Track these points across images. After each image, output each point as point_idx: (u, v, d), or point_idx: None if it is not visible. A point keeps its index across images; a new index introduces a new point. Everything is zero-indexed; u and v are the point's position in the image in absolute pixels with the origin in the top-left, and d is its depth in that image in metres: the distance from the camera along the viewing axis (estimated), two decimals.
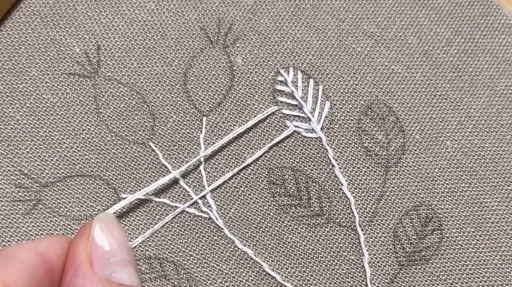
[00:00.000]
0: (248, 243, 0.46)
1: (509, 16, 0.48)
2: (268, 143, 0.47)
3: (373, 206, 0.47)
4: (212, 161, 0.47)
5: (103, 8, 0.47)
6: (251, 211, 0.47)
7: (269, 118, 0.47)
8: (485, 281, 0.47)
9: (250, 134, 0.47)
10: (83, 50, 0.46)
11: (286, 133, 0.47)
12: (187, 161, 0.47)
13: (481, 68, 0.48)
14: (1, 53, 0.46)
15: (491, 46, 0.48)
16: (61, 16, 0.46)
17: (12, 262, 0.37)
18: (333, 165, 0.47)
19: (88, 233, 0.39)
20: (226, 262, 0.46)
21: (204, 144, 0.47)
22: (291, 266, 0.47)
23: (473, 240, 0.47)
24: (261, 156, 0.47)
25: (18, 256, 0.37)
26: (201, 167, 0.47)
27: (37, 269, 0.37)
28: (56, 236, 0.44)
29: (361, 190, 0.47)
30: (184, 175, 0.46)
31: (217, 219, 0.46)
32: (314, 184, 0.47)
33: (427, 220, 0.47)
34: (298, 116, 0.48)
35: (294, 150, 0.47)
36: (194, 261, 0.46)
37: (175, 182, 0.46)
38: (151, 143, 0.46)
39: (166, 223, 0.46)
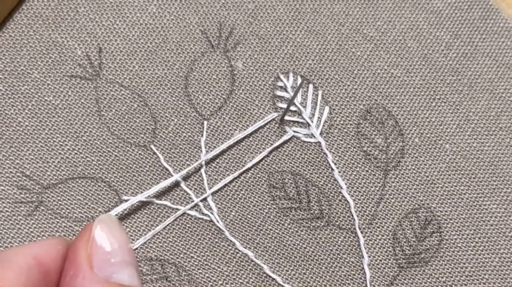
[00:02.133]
0: (248, 246, 0.47)
1: (508, 20, 0.49)
2: (268, 147, 0.47)
3: (373, 209, 0.48)
4: (213, 164, 0.47)
5: (105, 11, 0.47)
6: (252, 214, 0.47)
7: (268, 124, 0.48)
8: (484, 283, 0.47)
9: (250, 139, 0.48)
10: (85, 52, 0.47)
11: (285, 137, 0.48)
12: (188, 164, 0.47)
13: (480, 72, 0.49)
14: (3, 55, 0.46)
15: (491, 50, 0.49)
16: (63, 19, 0.47)
17: (8, 265, 0.37)
18: (332, 169, 0.48)
19: (89, 234, 0.39)
20: (227, 264, 0.47)
21: (205, 147, 0.47)
22: (291, 268, 0.47)
23: (472, 243, 0.48)
24: (261, 161, 0.47)
25: (14, 260, 0.38)
26: (202, 171, 0.47)
27: (32, 272, 0.38)
28: (52, 238, 0.45)
29: (360, 193, 0.48)
30: (185, 178, 0.47)
31: (218, 221, 0.47)
32: (314, 187, 0.47)
33: (427, 222, 0.48)
34: (298, 122, 0.48)
35: (293, 154, 0.48)
36: (195, 263, 0.46)
37: (176, 184, 0.47)
38: (152, 146, 0.47)
39: (168, 225, 0.46)
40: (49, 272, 0.39)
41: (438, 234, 0.48)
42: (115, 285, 0.39)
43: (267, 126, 0.48)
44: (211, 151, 0.47)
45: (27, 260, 0.38)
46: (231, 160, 0.47)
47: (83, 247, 0.39)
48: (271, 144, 0.48)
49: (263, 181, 0.47)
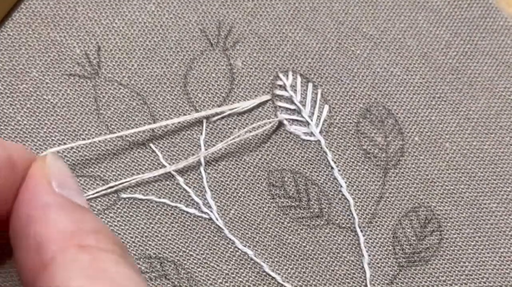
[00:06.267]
0: (248, 244, 0.47)
1: (508, 18, 0.50)
2: (268, 146, 0.48)
3: (373, 207, 0.48)
4: (212, 162, 0.48)
5: (104, 10, 0.48)
6: (251, 212, 0.48)
7: (269, 123, 0.48)
8: (484, 282, 0.48)
9: (250, 137, 0.48)
10: (84, 51, 0.47)
11: (272, 121, 0.48)
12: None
13: (480, 70, 0.49)
14: (2, 54, 0.47)
15: (490, 48, 0.50)
16: (62, 17, 0.48)
17: None
18: (332, 167, 0.48)
19: (43, 162, 0.40)
20: (227, 263, 0.47)
21: (205, 146, 0.48)
22: (291, 267, 0.47)
23: (472, 241, 0.48)
24: (260, 158, 0.48)
25: None
26: (201, 168, 0.48)
27: (3, 163, 0.39)
28: (26, 148, 0.45)
29: (360, 192, 0.48)
30: (184, 176, 0.47)
31: (217, 219, 0.47)
32: (314, 186, 0.48)
33: (426, 221, 0.48)
34: (297, 120, 0.49)
35: (293, 153, 0.48)
36: (195, 261, 0.47)
37: (175, 183, 0.47)
38: (151, 144, 0.47)
39: (166, 223, 0.47)
40: (17, 173, 0.40)
41: (438, 233, 0.48)
42: (77, 203, 0.39)
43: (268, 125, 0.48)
44: (211, 149, 0.48)
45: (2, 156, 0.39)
46: (230, 158, 0.48)
47: (41, 168, 0.40)
48: (271, 143, 0.48)
49: (262, 179, 0.48)
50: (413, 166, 0.49)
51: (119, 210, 0.47)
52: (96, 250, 0.38)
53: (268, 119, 0.48)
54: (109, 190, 0.47)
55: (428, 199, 0.48)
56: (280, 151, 0.48)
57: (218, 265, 0.47)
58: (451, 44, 0.50)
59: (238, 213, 0.48)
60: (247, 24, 0.49)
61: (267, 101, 0.49)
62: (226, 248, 0.47)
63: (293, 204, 0.48)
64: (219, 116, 0.48)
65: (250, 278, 0.47)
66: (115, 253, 0.38)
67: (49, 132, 0.47)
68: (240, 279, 0.47)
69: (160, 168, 0.47)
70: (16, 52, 0.47)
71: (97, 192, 0.46)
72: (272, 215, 0.48)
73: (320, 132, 0.49)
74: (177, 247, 0.47)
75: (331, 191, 0.48)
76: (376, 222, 0.48)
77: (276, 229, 0.48)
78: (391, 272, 0.48)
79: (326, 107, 0.49)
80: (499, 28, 0.50)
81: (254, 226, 0.48)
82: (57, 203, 0.39)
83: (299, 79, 0.49)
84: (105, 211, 0.47)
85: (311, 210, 0.48)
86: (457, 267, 0.48)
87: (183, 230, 0.47)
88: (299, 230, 0.48)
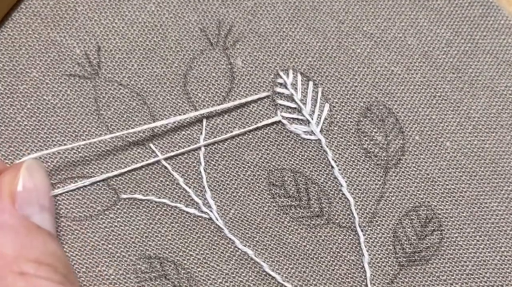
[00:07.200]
0: (248, 244, 0.48)
1: (509, 17, 0.50)
2: (268, 145, 0.48)
3: (373, 207, 0.48)
4: (212, 162, 0.48)
5: (104, 10, 0.48)
6: (251, 211, 0.48)
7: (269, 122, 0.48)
8: (485, 282, 0.48)
9: (250, 136, 0.48)
10: (84, 51, 0.48)
11: (271, 120, 0.48)
12: (187, 162, 0.48)
13: (481, 69, 0.49)
14: (2, 54, 0.47)
15: (491, 47, 0.50)
16: (62, 17, 0.48)
17: None
18: (332, 167, 0.48)
19: (16, 173, 0.41)
20: (227, 262, 0.47)
21: (204, 145, 0.48)
22: (291, 266, 0.48)
23: (473, 241, 0.48)
24: (260, 157, 0.48)
25: None
26: (201, 168, 0.48)
27: None
28: None
29: (360, 191, 0.48)
30: (184, 176, 0.48)
31: (217, 219, 0.47)
32: (314, 185, 0.48)
33: (427, 220, 0.48)
34: (298, 119, 0.49)
35: (293, 152, 0.48)
36: (195, 261, 0.47)
37: (175, 183, 0.47)
38: (151, 145, 0.48)
39: (166, 223, 0.47)
40: None
41: (439, 232, 0.48)
42: (33, 225, 0.41)
43: (268, 124, 0.49)
44: (210, 149, 0.48)
45: None
46: (230, 158, 0.48)
47: (8, 183, 0.41)
48: (271, 142, 0.48)
49: (262, 179, 0.48)
50: (414, 165, 0.49)
51: (119, 211, 0.47)
52: (34, 277, 0.39)
53: (269, 117, 0.49)
54: (97, 181, 0.47)
55: (429, 198, 0.49)
56: (280, 150, 0.49)
57: (218, 265, 0.47)
58: (452, 43, 0.50)
59: (238, 212, 0.48)
60: (247, 23, 0.49)
61: (267, 97, 0.49)
62: (226, 248, 0.48)
63: (293, 203, 0.48)
64: (215, 108, 0.48)
65: (250, 278, 0.48)
66: (54, 281, 0.39)
67: (50, 133, 0.47)
68: (240, 279, 0.47)
69: (160, 167, 0.48)
70: (16, 53, 0.47)
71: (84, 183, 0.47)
72: (272, 215, 0.48)
73: (321, 131, 0.49)
74: (177, 247, 0.47)
75: (331, 190, 0.48)
76: (376, 221, 0.48)
77: (276, 229, 0.48)
78: (391, 272, 0.48)
79: (327, 106, 0.49)
80: (500, 27, 0.50)
81: (254, 226, 0.48)
82: (10, 225, 0.40)
83: (299, 77, 0.49)
84: (105, 212, 0.47)
85: (311, 210, 0.48)
86: (457, 267, 0.48)
87: (183, 230, 0.47)
88: (299, 229, 0.48)
